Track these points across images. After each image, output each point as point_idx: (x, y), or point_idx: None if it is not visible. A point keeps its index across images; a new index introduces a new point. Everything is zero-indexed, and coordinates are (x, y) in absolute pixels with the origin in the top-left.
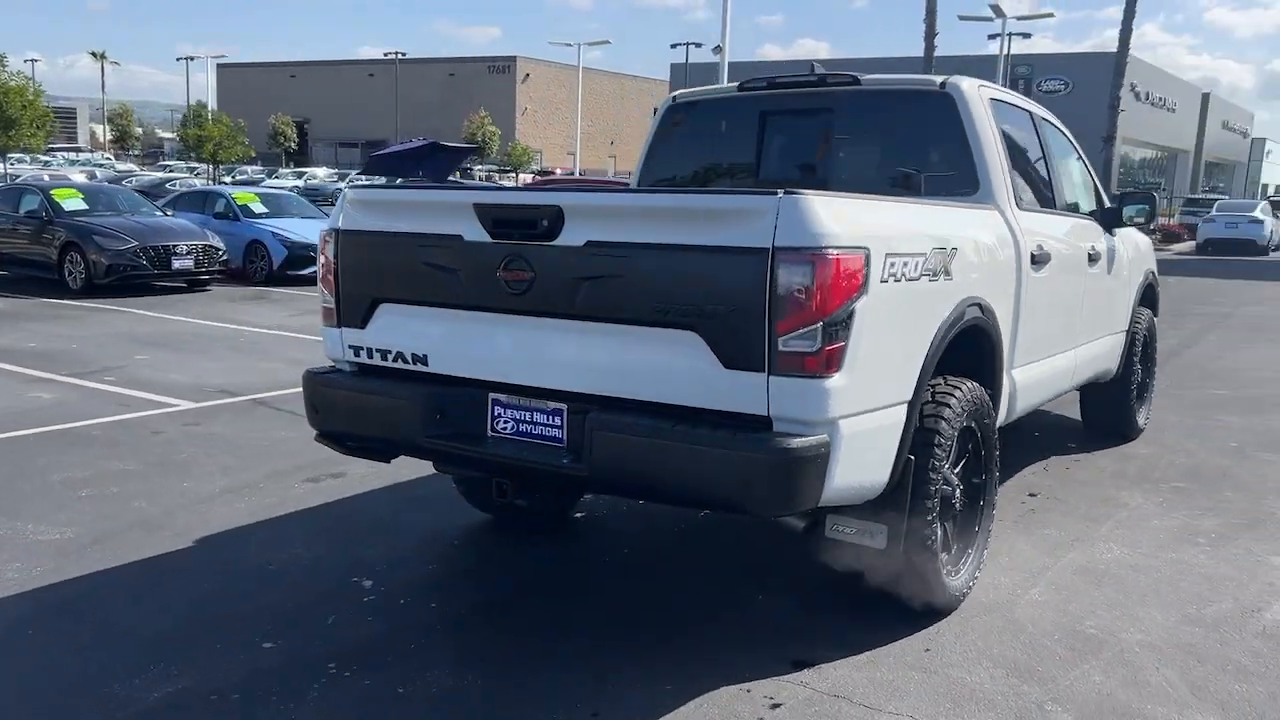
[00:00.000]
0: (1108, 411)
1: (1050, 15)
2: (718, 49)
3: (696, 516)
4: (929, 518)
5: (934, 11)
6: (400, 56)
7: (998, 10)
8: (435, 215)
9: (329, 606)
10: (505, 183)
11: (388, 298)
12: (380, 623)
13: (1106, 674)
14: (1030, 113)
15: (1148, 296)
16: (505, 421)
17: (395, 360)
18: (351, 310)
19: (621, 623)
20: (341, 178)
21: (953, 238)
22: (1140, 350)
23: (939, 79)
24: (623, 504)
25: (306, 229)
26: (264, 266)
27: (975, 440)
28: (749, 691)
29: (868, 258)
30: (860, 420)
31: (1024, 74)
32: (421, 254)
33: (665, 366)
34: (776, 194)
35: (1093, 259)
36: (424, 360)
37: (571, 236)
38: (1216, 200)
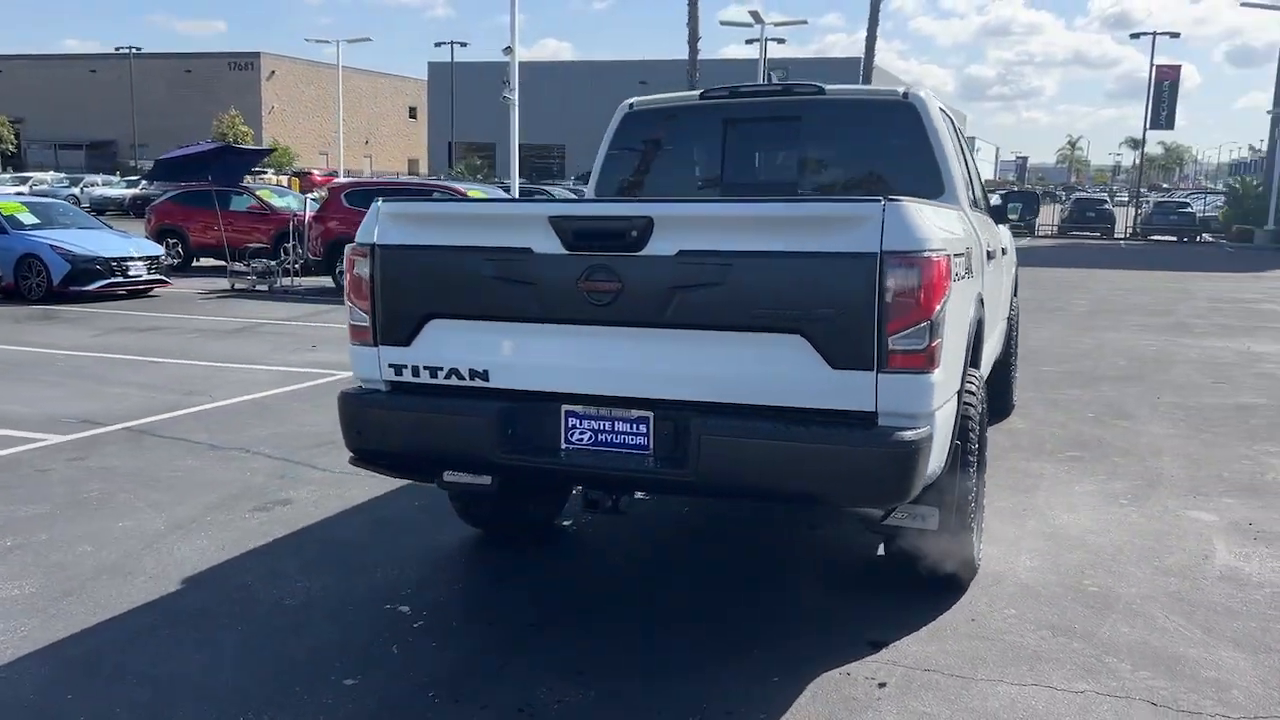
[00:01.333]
0: (992, 392)
1: (804, 22)
2: (508, 49)
3: (676, 520)
4: (969, 497)
5: (696, 16)
6: (135, 51)
7: (757, 16)
8: (498, 228)
9: (384, 637)
10: (284, 184)
11: (439, 313)
12: (449, 648)
13: (1131, 625)
14: (952, 118)
15: (1015, 285)
16: (581, 433)
17: (448, 377)
18: (394, 327)
19: (686, 623)
20: (74, 182)
21: (969, 238)
22: (1014, 335)
23: (901, 89)
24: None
25: (91, 241)
26: (41, 283)
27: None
28: (849, 674)
29: (950, 258)
30: (943, 411)
31: (780, 78)
32: (484, 268)
33: (767, 370)
34: (880, 200)
35: (1003, 252)
36: (484, 376)
37: (661, 246)
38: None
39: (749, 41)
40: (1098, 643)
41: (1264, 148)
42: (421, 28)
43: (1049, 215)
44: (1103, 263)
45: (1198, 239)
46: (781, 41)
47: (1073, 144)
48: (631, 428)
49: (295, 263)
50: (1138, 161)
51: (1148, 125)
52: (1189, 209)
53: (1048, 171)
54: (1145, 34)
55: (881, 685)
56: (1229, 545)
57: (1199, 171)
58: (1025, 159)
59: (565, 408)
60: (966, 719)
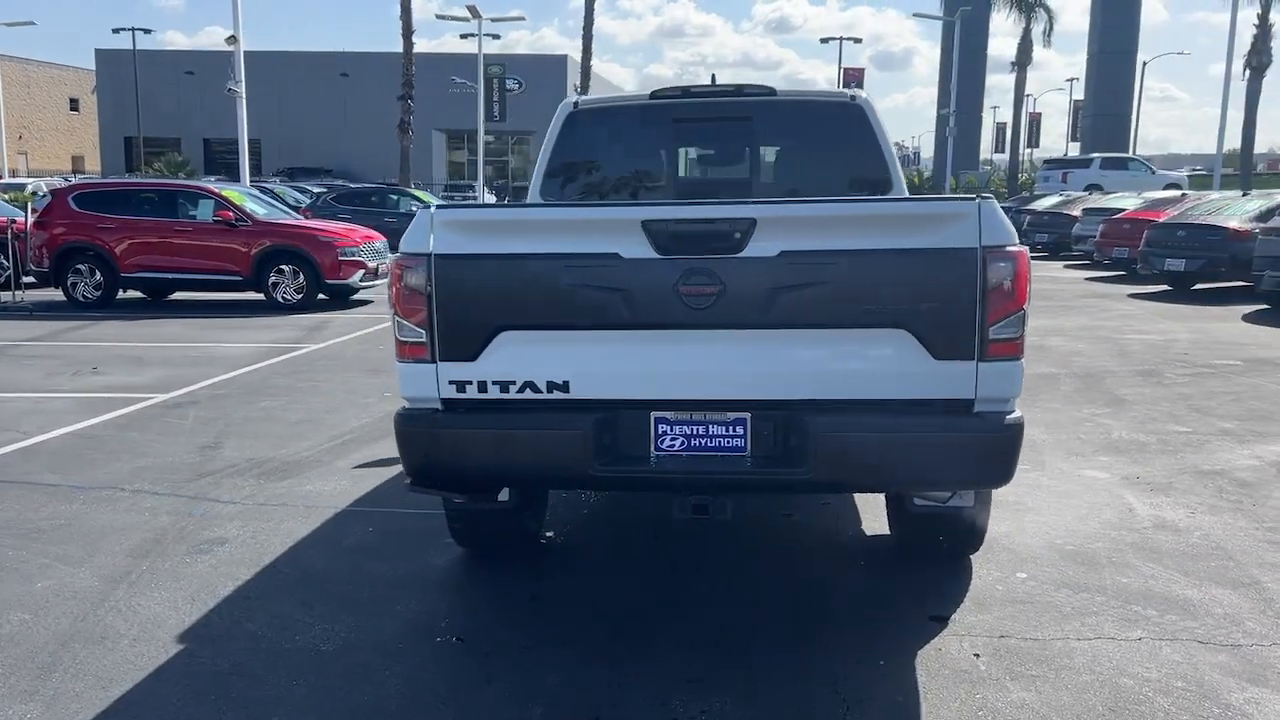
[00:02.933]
0: None
1: (522, 18)
2: (232, 39)
3: (652, 521)
4: None
5: (409, 9)
6: None
7: (474, 11)
8: (579, 233)
9: (467, 673)
10: None
11: (512, 325)
12: (542, 672)
13: (1125, 575)
14: None
15: None
16: (673, 439)
17: (521, 391)
18: (458, 342)
19: (748, 615)
20: None
21: None
22: None
23: (849, 92)
24: (582, 518)
25: None
26: None
27: None
28: (941, 650)
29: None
30: None
31: (496, 73)
32: (564, 275)
33: (871, 365)
34: (975, 199)
35: None
36: (564, 387)
37: (762, 248)
38: None
39: (464, 36)
40: (1114, 594)
41: (912, 144)
42: (78, 10)
43: None
44: None
45: None
46: (497, 37)
47: None
48: (728, 430)
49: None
50: None
51: None
52: None
53: None
54: (834, 39)
55: (977, 655)
56: (1138, 498)
57: None
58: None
59: (654, 414)
60: (1076, 678)
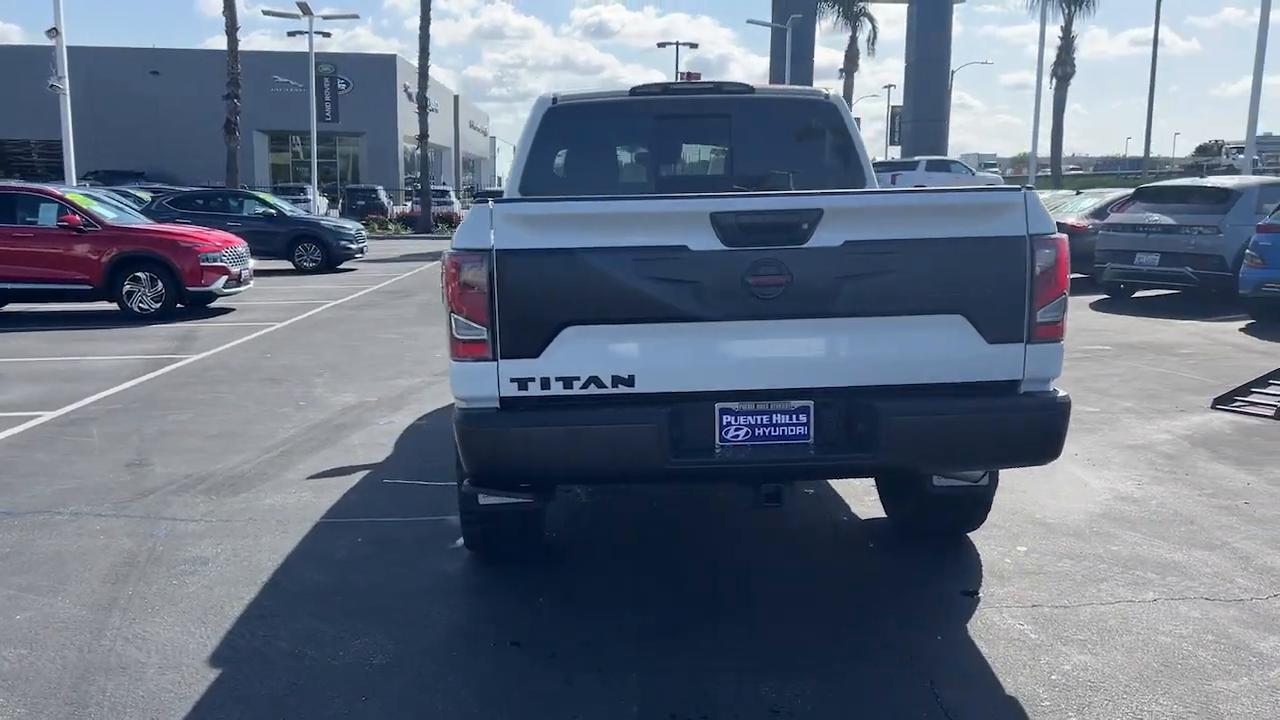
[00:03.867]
0: None
1: (355, 16)
2: (53, 31)
3: (641, 516)
4: None
5: (234, 6)
6: None
7: (305, 8)
8: (647, 226)
9: (544, 678)
10: None
11: (577, 320)
12: (625, 672)
13: (1113, 543)
14: None
15: None
16: (737, 429)
17: (586, 386)
18: (522, 339)
19: (792, 608)
20: None
21: None
22: None
23: (824, 90)
24: (572, 517)
25: None
26: None
27: None
28: (992, 624)
29: None
30: None
31: (328, 72)
32: (631, 269)
33: (929, 350)
34: (1021, 189)
35: None
36: (629, 381)
37: (826, 238)
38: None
39: (292, 34)
40: (1111, 561)
41: None
42: None
43: None
44: None
45: None
46: (328, 35)
47: None
48: (791, 419)
49: None
50: None
51: None
52: None
53: None
54: (670, 43)
55: (1022, 625)
56: (1087, 473)
57: None
58: None
59: (719, 405)
60: (1119, 639)
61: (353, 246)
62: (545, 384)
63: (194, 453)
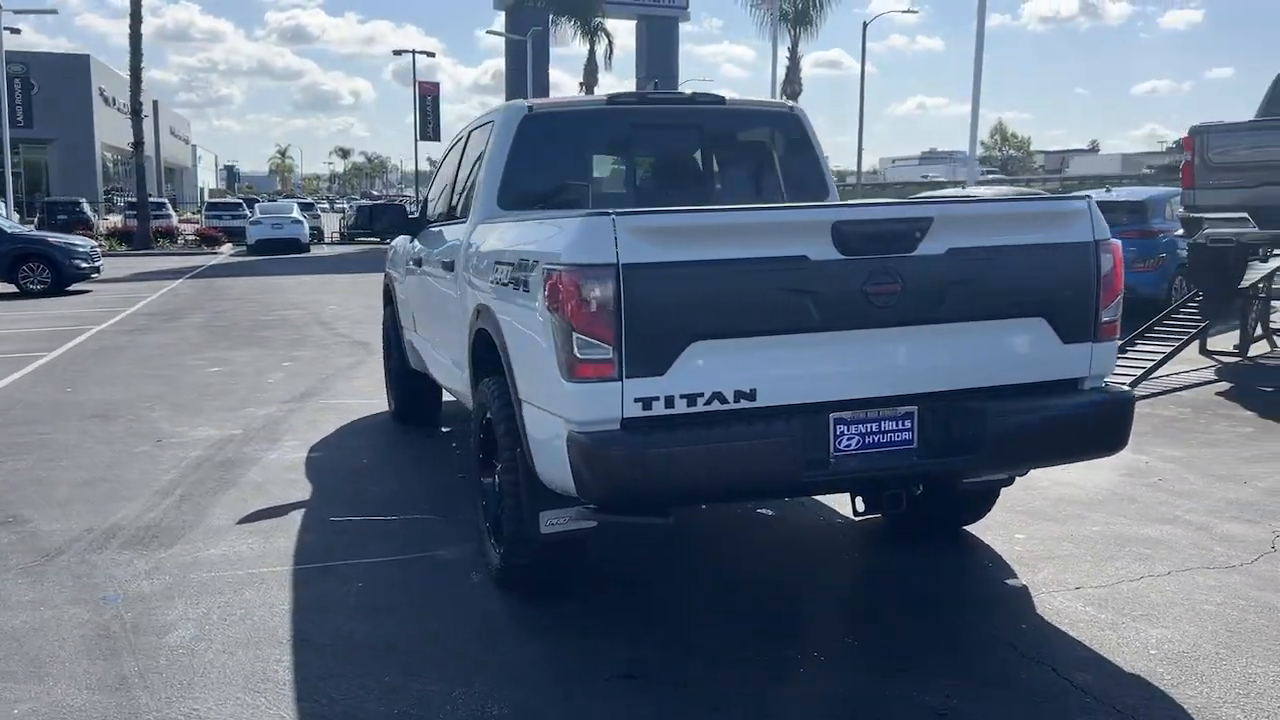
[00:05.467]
0: None
1: (54, 12)
2: None
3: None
4: None
5: None
6: None
7: None
8: (770, 237)
9: (688, 708)
10: None
11: (703, 334)
12: (763, 691)
13: (1091, 524)
14: None
15: None
16: (849, 439)
17: (709, 403)
18: (648, 357)
19: (851, 613)
20: None
21: None
22: None
23: (787, 103)
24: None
25: None
26: None
27: None
28: (1056, 610)
29: None
30: None
31: (19, 72)
32: (756, 280)
33: (1015, 351)
34: (1087, 197)
35: None
36: (750, 395)
37: (932, 246)
38: (258, 203)
39: None
40: (1105, 541)
41: None
42: None
43: (332, 223)
44: None
45: None
46: (17, 31)
47: (283, 152)
48: (897, 424)
49: None
50: (346, 169)
51: (418, 137)
52: None
53: (259, 180)
54: (408, 51)
55: (1084, 607)
56: None
57: (401, 180)
58: (232, 167)
59: (833, 415)
60: (1177, 611)
61: (85, 266)
62: (670, 402)
63: (73, 504)
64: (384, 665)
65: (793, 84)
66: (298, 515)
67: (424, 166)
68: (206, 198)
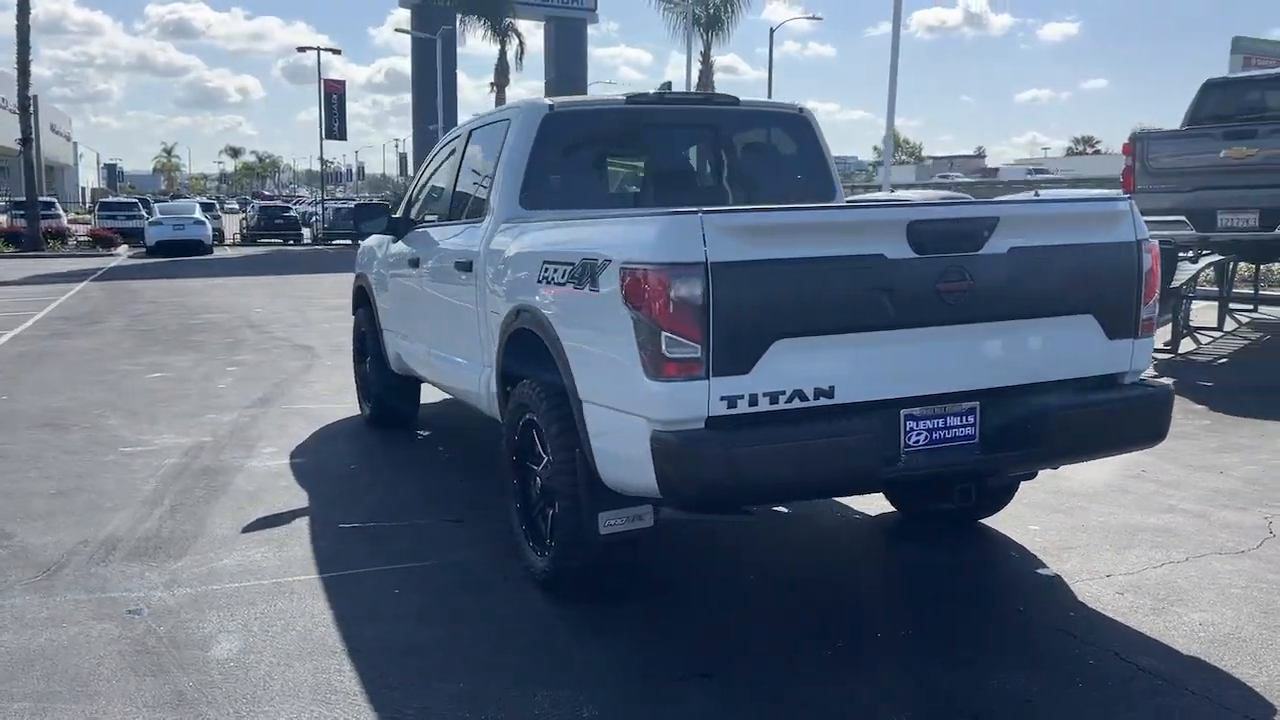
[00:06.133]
0: None
1: None
2: None
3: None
4: None
5: None
6: None
7: None
8: (849, 235)
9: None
10: None
11: (787, 332)
12: (880, 687)
13: (1094, 515)
14: None
15: None
16: (918, 434)
17: (790, 400)
18: (735, 355)
19: (898, 613)
20: None
21: None
22: None
23: (796, 104)
24: None
25: None
26: None
27: None
28: (1098, 597)
29: None
30: None
31: None
32: (836, 279)
33: (1066, 348)
34: (1129, 197)
35: None
36: (829, 393)
37: (996, 245)
38: (157, 203)
39: None
40: (1115, 531)
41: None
42: None
43: (233, 224)
44: (332, 267)
45: None
46: None
47: (169, 151)
48: (961, 420)
49: None
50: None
51: (323, 136)
52: None
53: (143, 180)
54: (311, 48)
55: (1120, 594)
56: None
57: (294, 180)
58: (114, 165)
59: (904, 412)
60: (1208, 595)
61: None
62: (754, 401)
63: (55, 516)
64: (450, 672)
65: (706, 88)
66: (302, 523)
67: (332, 165)
68: (89, 197)
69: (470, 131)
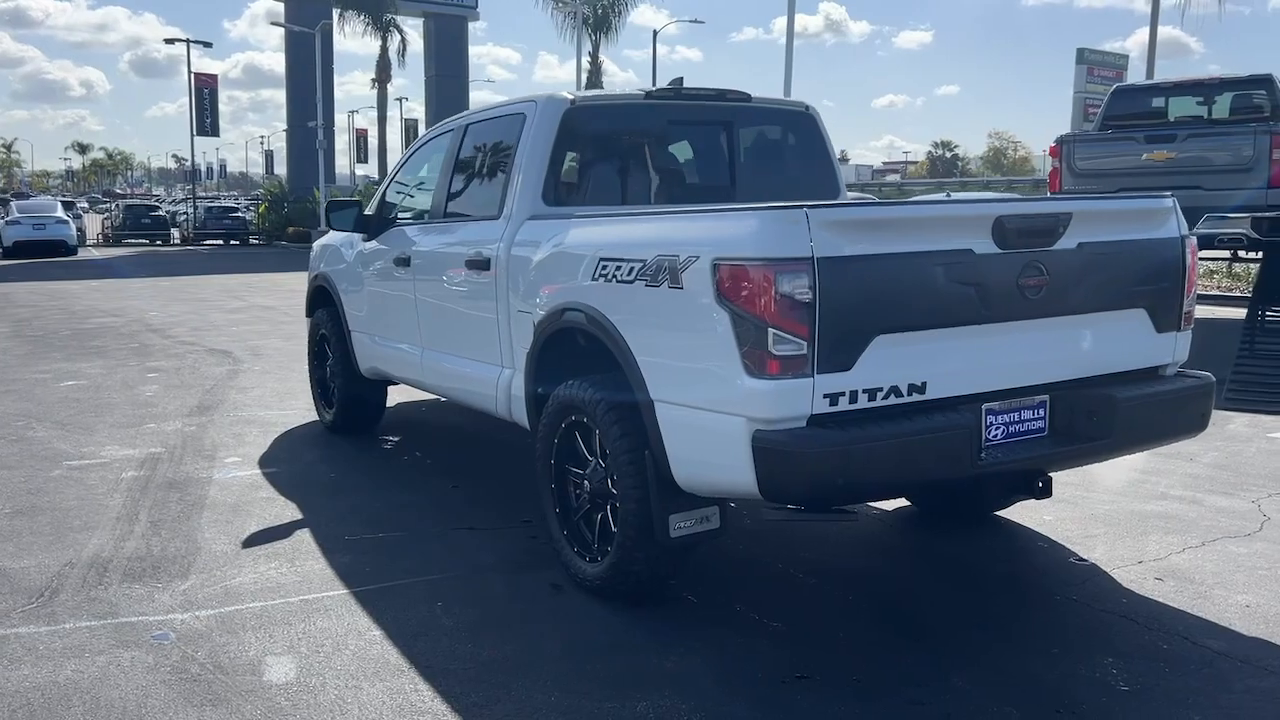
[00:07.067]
0: None
1: None
2: None
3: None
4: None
5: None
6: None
7: None
8: (943, 230)
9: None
10: None
11: (886, 328)
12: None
13: (1103, 504)
14: None
15: None
16: (996, 429)
17: (886, 397)
18: (839, 351)
19: (944, 605)
20: None
21: None
22: None
23: (803, 102)
24: None
25: None
26: None
27: None
28: (1132, 582)
29: None
30: None
31: None
32: (931, 274)
33: (1122, 341)
34: (1170, 195)
35: None
36: (921, 389)
37: (1068, 240)
38: (16, 201)
39: None
40: (1127, 519)
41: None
42: None
43: (95, 224)
44: (213, 268)
45: (249, 241)
46: None
47: (8, 147)
48: (1033, 413)
49: None
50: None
51: (194, 131)
52: (240, 214)
53: None
54: (181, 40)
55: (1159, 579)
56: None
57: (148, 177)
58: None
59: (985, 406)
60: (1241, 578)
61: None
62: (854, 397)
63: (21, 537)
64: (535, 685)
65: (594, 88)
66: (304, 536)
67: (186, 164)
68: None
69: (467, 127)
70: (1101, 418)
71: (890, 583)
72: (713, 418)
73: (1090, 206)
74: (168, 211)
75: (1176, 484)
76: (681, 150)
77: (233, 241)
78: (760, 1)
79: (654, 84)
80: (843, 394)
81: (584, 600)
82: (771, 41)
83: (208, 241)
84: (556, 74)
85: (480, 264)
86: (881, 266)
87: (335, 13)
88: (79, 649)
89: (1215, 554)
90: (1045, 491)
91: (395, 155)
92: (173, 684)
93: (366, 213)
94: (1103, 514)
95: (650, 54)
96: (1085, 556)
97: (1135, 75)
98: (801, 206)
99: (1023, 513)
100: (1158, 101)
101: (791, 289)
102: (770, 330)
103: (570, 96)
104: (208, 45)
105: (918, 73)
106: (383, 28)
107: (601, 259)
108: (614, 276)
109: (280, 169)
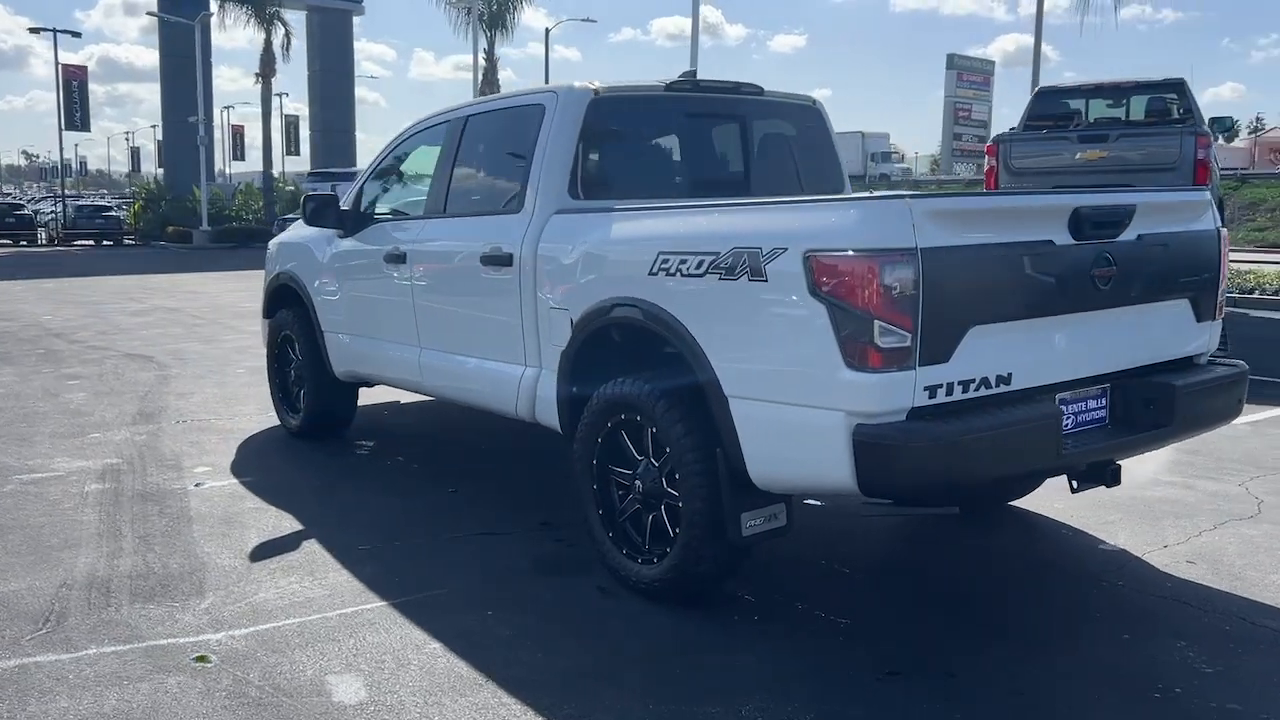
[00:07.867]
0: None
1: None
2: None
3: None
4: None
5: None
6: None
7: None
8: (1027, 222)
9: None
10: None
11: (980, 320)
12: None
13: (1113, 491)
14: None
15: None
16: (1068, 418)
17: (978, 389)
18: (939, 343)
19: (1024, 604)
20: None
21: None
22: None
23: (809, 95)
24: None
25: None
26: None
27: None
28: (1167, 565)
29: None
30: None
31: None
32: (1018, 264)
33: (1170, 330)
34: (1208, 189)
35: None
36: (1007, 380)
37: (1129, 232)
38: None
39: None
40: (1135, 504)
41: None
42: None
43: None
44: (96, 269)
45: (124, 241)
46: None
47: None
48: (1097, 403)
49: None
50: None
51: (63, 126)
52: (114, 212)
53: None
54: (47, 30)
55: (1191, 562)
56: None
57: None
58: None
59: (1059, 396)
60: (1267, 560)
61: None
62: (950, 390)
63: (4, 556)
64: (626, 693)
65: (491, 85)
66: (313, 548)
67: (39, 160)
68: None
69: (467, 119)
70: (1161, 406)
71: (936, 575)
72: (802, 412)
73: (1150, 199)
74: (35, 210)
75: (1164, 470)
76: (699, 142)
77: (105, 242)
78: (637, 3)
79: (546, 81)
80: (940, 386)
81: (638, 603)
82: (649, 42)
83: (79, 242)
84: (433, 71)
85: (500, 260)
86: (977, 257)
87: (215, 4)
88: (115, 676)
89: (1232, 536)
90: (1115, 479)
91: (278, 152)
92: (235, 709)
93: (343, 208)
94: (1108, 501)
95: (528, 53)
96: (1111, 542)
97: (1001, 82)
98: (902, 197)
99: (1034, 501)
100: (1077, 103)
101: (896, 280)
102: (876, 322)
103: (594, 87)
104: (76, 35)
105: (792, 75)
106: (267, 20)
107: (661, 253)
108: (678, 270)
109: (149, 166)
